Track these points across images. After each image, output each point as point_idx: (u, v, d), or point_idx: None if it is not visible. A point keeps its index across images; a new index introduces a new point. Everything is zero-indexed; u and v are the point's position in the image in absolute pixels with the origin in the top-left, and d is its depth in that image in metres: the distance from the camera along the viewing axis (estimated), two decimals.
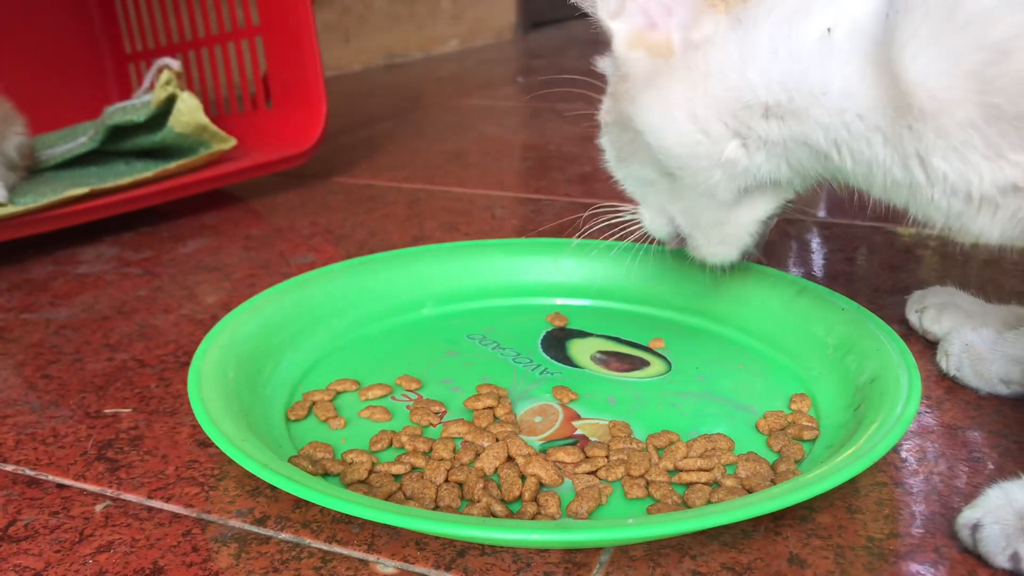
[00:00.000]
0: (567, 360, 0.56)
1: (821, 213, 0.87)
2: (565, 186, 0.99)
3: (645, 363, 0.55)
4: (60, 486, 0.45)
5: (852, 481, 0.43)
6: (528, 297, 0.65)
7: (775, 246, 0.78)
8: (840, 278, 0.70)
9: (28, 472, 0.46)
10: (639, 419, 0.49)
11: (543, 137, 1.26)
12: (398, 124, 1.38)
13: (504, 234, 0.82)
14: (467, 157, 1.14)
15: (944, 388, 0.53)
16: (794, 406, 0.49)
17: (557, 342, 0.58)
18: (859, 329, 0.51)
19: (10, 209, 0.74)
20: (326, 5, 1.86)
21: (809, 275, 0.71)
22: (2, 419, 0.51)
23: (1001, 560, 0.36)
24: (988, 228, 0.39)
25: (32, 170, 0.94)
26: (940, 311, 0.55)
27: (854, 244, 0.78)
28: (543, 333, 0.60)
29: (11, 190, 0.84)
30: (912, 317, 0.58)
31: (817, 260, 0.75)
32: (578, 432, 0.48)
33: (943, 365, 0.53)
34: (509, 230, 0.84)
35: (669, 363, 0.55)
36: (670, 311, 0.62)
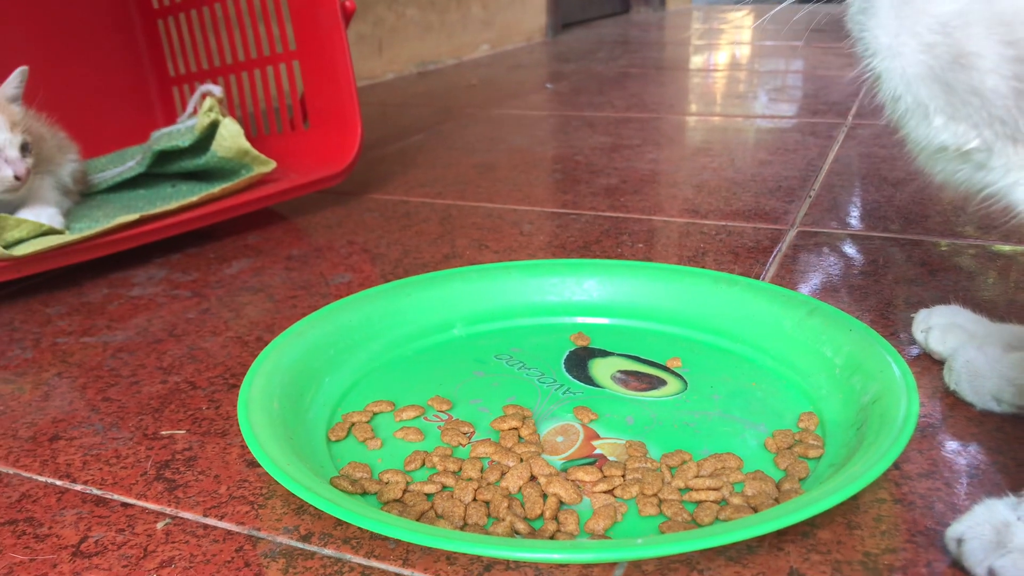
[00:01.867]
0: (589, 380, 0.59)
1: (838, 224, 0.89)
2: (591, 199, 1.02)
3: (663, 382, 0.59)
4: (124, 504, 0.49)
5: (853, 497, 0.46)
6: (553, 316, 0.68)
7: (794, 259, 0.80)
8: (856, 292, 0.72)
9: (95, 492, 0.51)
10: (655, 438, 0.52)
11: (571, 147, 1.29)
12: (430, 136, 1.42)
13: (532, 250, 0.86)
14: (497, 171, 1.18)
15: (948, 404, 0.55)
16: (802, 424, 0.53)
17: (580, 361, 0.62)
18: (865, 350, 0.54)
19: (67, 237, 0.79)
20: (359, 17, 1.90)
21: (825, 288, 0.74)
22: (70, 440, 0.56)
23: (981, 572, 0.39)
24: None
25: (84, 194, 0.99)
26: (944, 331, 0.58)
27: (871, 256, 0.80)
28: (566, 353, 0.63)
29: (66, 215, 0.89)
30: (919, 336, 0.60)
31: (834, 273, 0.77)
32: (597, 451, 0.51)
33: (946, 379, 0.56)
34: (536, 246, 0.87)
35: (685, 382, 0.59)
36: (688, 329, 0.65)
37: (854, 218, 0.92)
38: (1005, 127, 0.38)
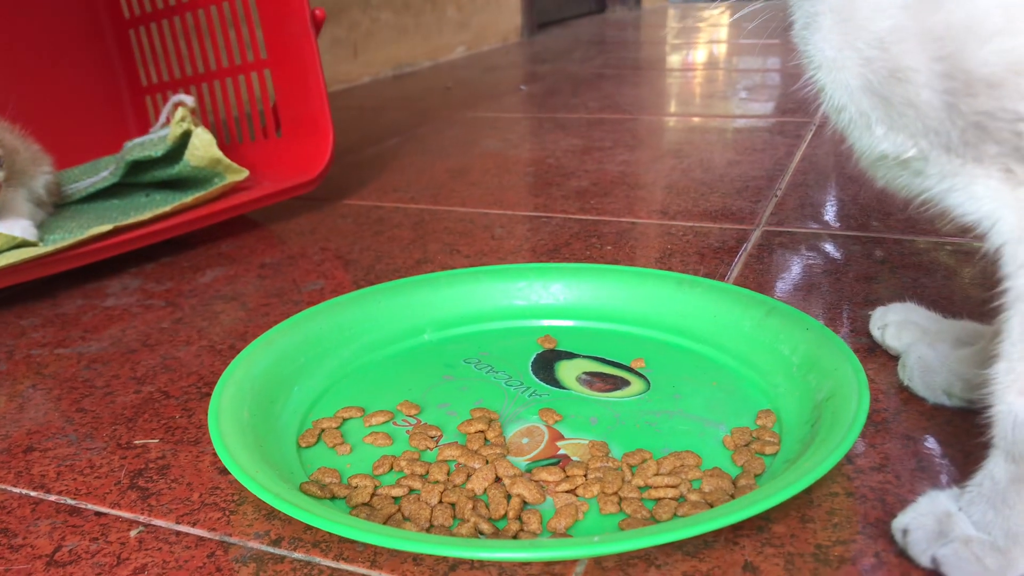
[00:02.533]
0: (555, 382, 0.61)
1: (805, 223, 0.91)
2: (562, 203, 1.04)
3: (626, 383, 0.60)
4: (98, 513, 0.50)
5: (807, 492, 0.48)
6: (521, 320, 0.70)
7: (758, 258, 0.82)
8: (817, 290, 0.74)
9: (69, 501, 0.52)
10: (617, 438, 0.54)
11: (543, 150, 1.31)
12: (405, 140, 1.43)
13: (502, 254, 0.87)
14: (469, 174, 1.19)
15: (902, 399, 0.57)
16: (759, 422, 0.54)
17: (546, 364, 0.63)
18: (820, 348, 0.56)
19: (41, 249, 0.80)
20: (334, 21, 1.91)
21: (788, 287, 0.75)
22: (44, 451, 0.57)
23: (924, 561, 0.41)
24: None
25: (58, 205, 1.00)
26: (900, 328, 0.60)
27: (833, 255, 0.82)
28: (533, 355, 0.65)
29: (40, 227, 0.90)
30: (875, 333, 0.62)
31: (797, 272, 0.79)
32: (561, 452, 0.53)
33: (900, 375, 0.58)
34: (508, 250, 0.89)
35: (648, 382, 0.60)
36: (652, 330, 0.67)
37: (818, 217, 0.94)
38: (939, 137, 0.39)
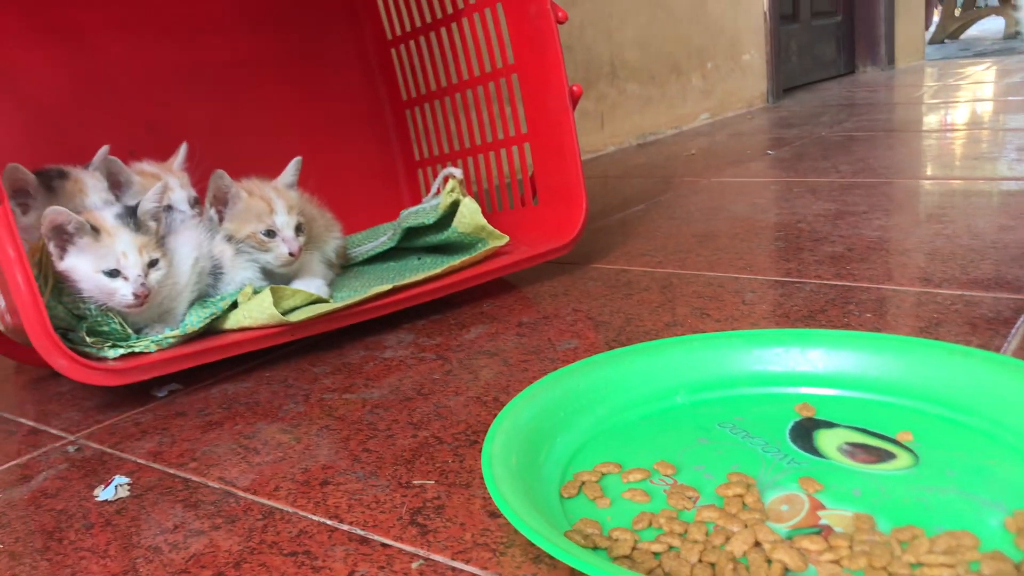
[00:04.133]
0: (814, 450, 0.60)
1: None
2: (816, 268, 1.02)
3: (892, 455, 0.58)
4: (384, 544, 0.56)
5: None
6: (776, 386, 0.69)
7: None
8: None
9: (359, 532, 0.58)
10: (884, 512, 0.52)
11: (793, 215, 1.29)
12: (650, 206, 1.46)
13: (753, 319, 0.87)
14: (717, 239, 1.20)
15: None
16: None
17: (805, 432, 0.63)
18: None
19: (332, 305, 0.90)
20: (583, 95, 2.00)
21: None
22: (337, 485, 0.64)
23: None
24: None
25: (344, 266, 1.12)
26: None
27: None
28: (791, 423, 0.64)
29: (330, 285, 1.01)
30: None
31: None
32: (823, 522, 0.52)
33: None
34: (759, 315, 0.88)
35: (917, 456, 0.58)
36: (920, 402, 0.64)
37: None
38: None
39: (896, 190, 1.40)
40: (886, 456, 0.58)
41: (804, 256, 1.07)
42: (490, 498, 0.59)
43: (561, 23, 1.08)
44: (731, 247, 1.15)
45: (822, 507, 0.53)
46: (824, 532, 0.51)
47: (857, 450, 0.59)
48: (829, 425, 0.63)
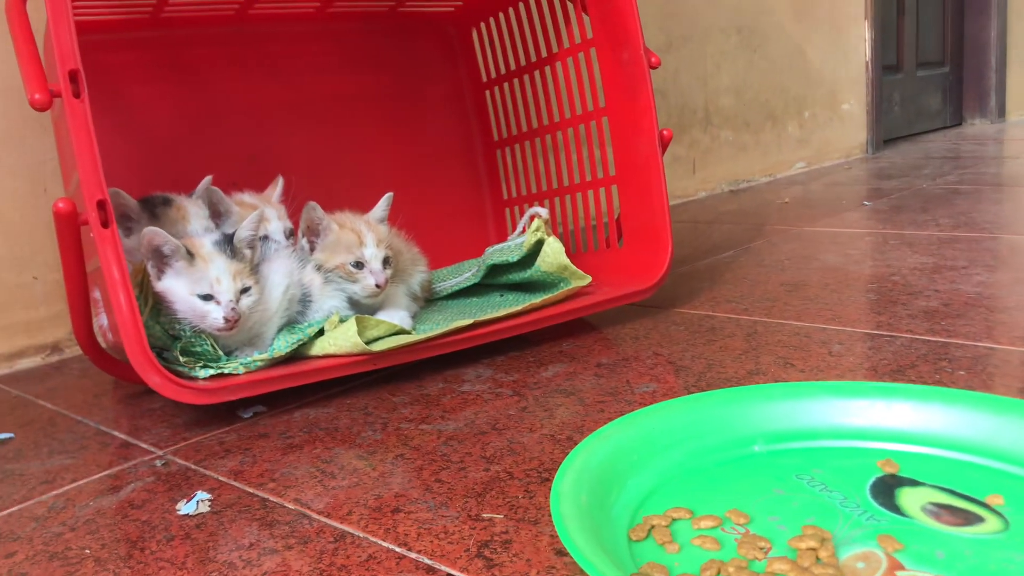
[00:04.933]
0: (895, 508, 0.58)
1: None
2: (908, 322, 0.98)
3: (980, 519, 0.56)
4: (449, 575, 0.56)
5: None
6: (859, 440, 0.67)
7: None
8: None
9: (427, 561, 0.58)
10: None
11: (888, 267, 1.25)
12: (739, 253, 1.44)
13: (839, 372, 0.85)
14: (806, 289, 1.17)
15: None
16: None
17: (887, 489, 0.60)
18: None
19: (415, 337, 0.92)
20: (675, 140, 2.00)
21: None
22: (408, 513, 0.65)
23: None
24: None
25: (428, 300, 1.14)
26: None
27: None
28: (872, 479, 0.62)
29: (414, 318, 1.03)
30: None
31: None
32: None
33: None
34: (846, 367, 0.86)
35: (1007, 521, 0.55)
36: (1012, 464, 0.61)
37: None
38: None
39: (1001, 246, 1.34)
40: (974, 519, 0.56)
41: (897, 309, 1.04)
42: (558, 537, 0.59)
43: (654, 68, 1.09)
44: (820, 297, 1.12)
45: (901, 567, 0.51)
46: None
47: (943, 511, 0.57)
48: (913, 483, 0.61)
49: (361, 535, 0.62)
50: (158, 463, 0.78)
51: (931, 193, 1.89)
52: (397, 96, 1.37)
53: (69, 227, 0.80)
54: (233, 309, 0.86)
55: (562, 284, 1.06)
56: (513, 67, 1.34)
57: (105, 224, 0.79)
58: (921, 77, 3.27)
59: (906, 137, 3.17)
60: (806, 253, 1.40)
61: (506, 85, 1.37)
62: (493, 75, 1.39)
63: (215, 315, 0.86)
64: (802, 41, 2.45)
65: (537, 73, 1.30)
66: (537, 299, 1.02)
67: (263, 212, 0.97)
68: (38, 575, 0.60)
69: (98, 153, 0.79)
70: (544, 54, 1.27)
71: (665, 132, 1.09)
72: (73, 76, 0.79)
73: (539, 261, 1.05)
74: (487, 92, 1.41)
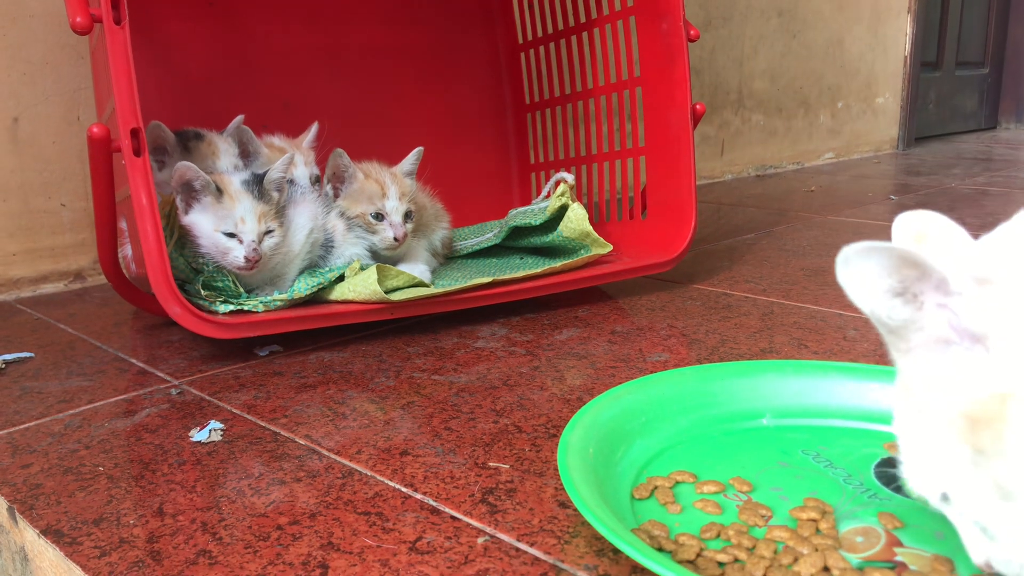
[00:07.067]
0: (899, 489, 0.58)
1: None
2: None
3: None
4: (453, 517, 0.57)
5: None
6: (868, 422, 0.67)
7: None
8: None
9: (431, 502, 0.59)
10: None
11: None
12: (761, 236, 1.44)
13: (853, 356, 0.85)
14: (826, 274, 1.17)
15: None
16: None
17: (892, 471, 0.61)
18: None
19: (433, 290, 0.92)
20: (706, 120, 1.99)
21: None
22: (416, 457, 0.66)
23: None
24: None
25: (448, 257, 1.15)
26: None
27: None
28: (878, 459, 0.62)
29: (433, 273, 1.04)
30: None
31: None
32: (898, 559, 0.50)
33: None
34: (860, 352, 0.86)
35: None
36: None
37: None
38: None
39: None
40: None
41: None
42: (562, 489, 0.59)
43: (692, 41, 1.08)
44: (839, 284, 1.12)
45: (899, 544, 0.52)
46: (898, 569, 0.49)
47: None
48: None
49: (369, 473, 0.63)
50: (173, 392, 0.80)
51: (959, 192, 1.87)
52: (432, 52, 1.37)
53: (102, 152, 0.81)
54: (255, 250, 0.87)
55: (583, 251, 1.06)
56: (551, 31, 1.33)
57: (137, 152, 0.79)
58: (959, 76, 3.22)
59: (938, 136, 3.14)
60: (828, 241, 1.39)
61: (542, 48, 1.36)
62: (530, 37, 1.39)
63: (236, 253, 0.87)
64: (842, 30, 2.42)
65: (574, 38, 1.29)
66: (557, 263, 1.02)
67: (293, 156, 0.97)
68: (52, 487, 0.62)
69: (135, 81, 0.79)
70: (583, 19, 1.27)
71: (698, 106, 1.08)
72: (115, 2, 0.79)
73: (561, 226, 1.05)
74: (522, 54, 1.41)
